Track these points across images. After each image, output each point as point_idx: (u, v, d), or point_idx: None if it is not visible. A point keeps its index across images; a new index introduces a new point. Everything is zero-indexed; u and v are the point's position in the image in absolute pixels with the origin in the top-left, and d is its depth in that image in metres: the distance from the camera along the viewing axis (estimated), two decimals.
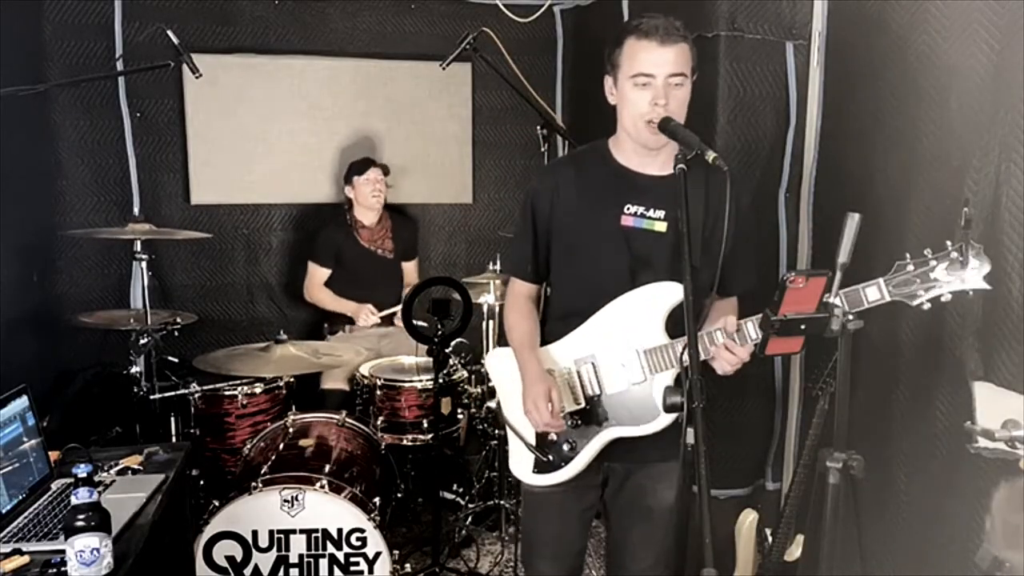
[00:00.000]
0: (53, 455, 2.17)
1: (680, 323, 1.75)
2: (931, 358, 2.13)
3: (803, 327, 1.57)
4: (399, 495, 2.99)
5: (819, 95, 2.68)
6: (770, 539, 2.38)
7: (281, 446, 2.73)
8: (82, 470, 1.60)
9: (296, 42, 3.91)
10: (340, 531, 2.43)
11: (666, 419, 1.78)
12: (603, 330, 1.84)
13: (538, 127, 3.12)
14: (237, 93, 3.82)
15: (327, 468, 2.55)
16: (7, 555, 1.71)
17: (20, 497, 1.94)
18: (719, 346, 1.71)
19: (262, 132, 3.89)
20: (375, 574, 2.45)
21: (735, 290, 1.91)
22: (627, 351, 1.81)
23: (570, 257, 1.90)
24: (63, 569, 1.60)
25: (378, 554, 2.44)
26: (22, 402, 2.04)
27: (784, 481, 2.98)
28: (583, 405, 1.86)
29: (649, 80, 1.72)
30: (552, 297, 2.00)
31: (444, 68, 3.22)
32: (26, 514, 1.90)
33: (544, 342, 1.94)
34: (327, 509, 2.42)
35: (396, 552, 2.49)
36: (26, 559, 1.71)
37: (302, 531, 2.43)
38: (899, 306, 2.20)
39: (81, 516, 1.56)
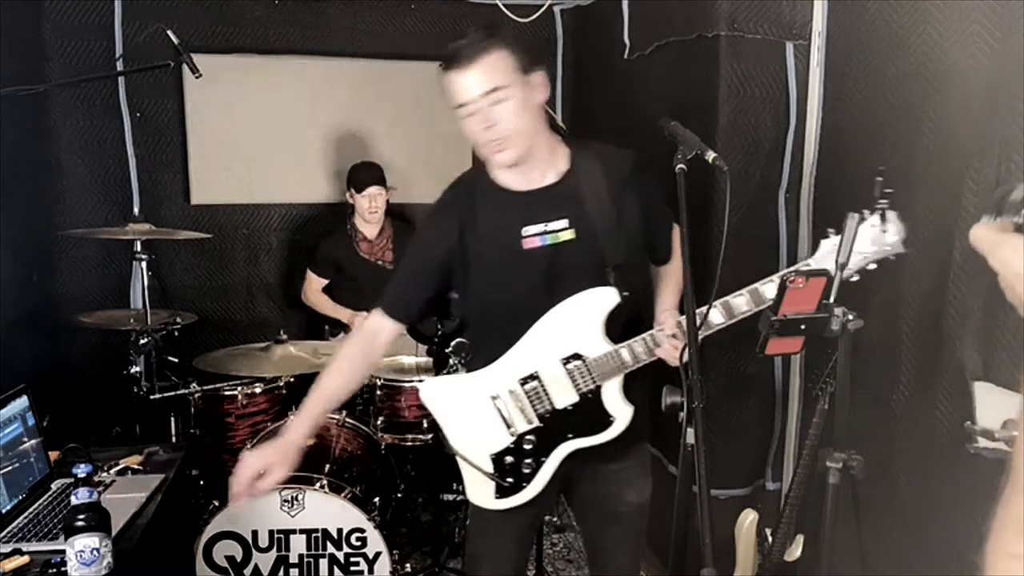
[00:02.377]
0: (53, 455, 2.17)
1: (620, 328, 1.77)
2: (931, 358, 2.13)
3: (803, 327, 1.58)
4: (399, 495, 2.99)
5: (819, 95, 2.68)
6: (770, 539, 2.38)
7: None
8: (82, 470, 1.61)
9: (296, 42, 3.91)
10: (340, 531, 2.43)
11: (621, 424, 1.78)
12: (542, 345, 1.79)
13: None
14: (237, 93, 3.82)
15: (327, 468, 2.55)
16: (7, 555, 1.71)
17: (20, 497, 1.94)
18: (664, 347, 1.72)
19: (262, 132, 3.89)
20: (375, 574, 2.45)
21: (664, 256, 1.95)
22: (571, 362, 1.78)
23: (485, 293, 1.83)
24: (63, 569, 1.60)
25: (378, 554, 2.45)
26: (22, 402, 2.05)
27: (784, 481, 2.98)
28: (536, 424, 1.82)
29: (468, 108, 1.68)
30: (473, 331, 1.96)
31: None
32: (26, 514, 1.91)
33: (477, 368, 1.87)
34: (327, 509, 2.42)
35: (396, 552, 2.50)
36: (26, 559, 1.71)
37: (302, 531, 2.43)
38: (899, 305, 2.20)
39: (81, 516, 1.57)
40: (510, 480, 1.84)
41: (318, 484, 2.42)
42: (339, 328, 3.69)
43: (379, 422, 3.06)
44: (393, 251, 3.77)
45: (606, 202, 1.74)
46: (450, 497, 3.20)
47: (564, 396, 1.79)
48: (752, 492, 3.03)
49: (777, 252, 2.90)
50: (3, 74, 2.95)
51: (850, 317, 1.59)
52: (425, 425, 3.05)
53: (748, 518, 2.48)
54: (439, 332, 2.70)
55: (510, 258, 1.77)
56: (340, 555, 2.44)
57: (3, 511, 1.87)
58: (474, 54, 1.66)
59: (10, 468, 1.93)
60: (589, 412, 1.79)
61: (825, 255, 1.66)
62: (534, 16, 3.66)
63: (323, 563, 2.45)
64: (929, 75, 2.11)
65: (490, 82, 1.65)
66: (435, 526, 2.86)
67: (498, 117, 1.67)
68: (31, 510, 1.93)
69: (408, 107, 4.05)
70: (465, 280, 1.83)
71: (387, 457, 2.93)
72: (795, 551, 2.31)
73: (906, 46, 2.19)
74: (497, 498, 1.86)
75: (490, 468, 1.84)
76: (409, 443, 3.06)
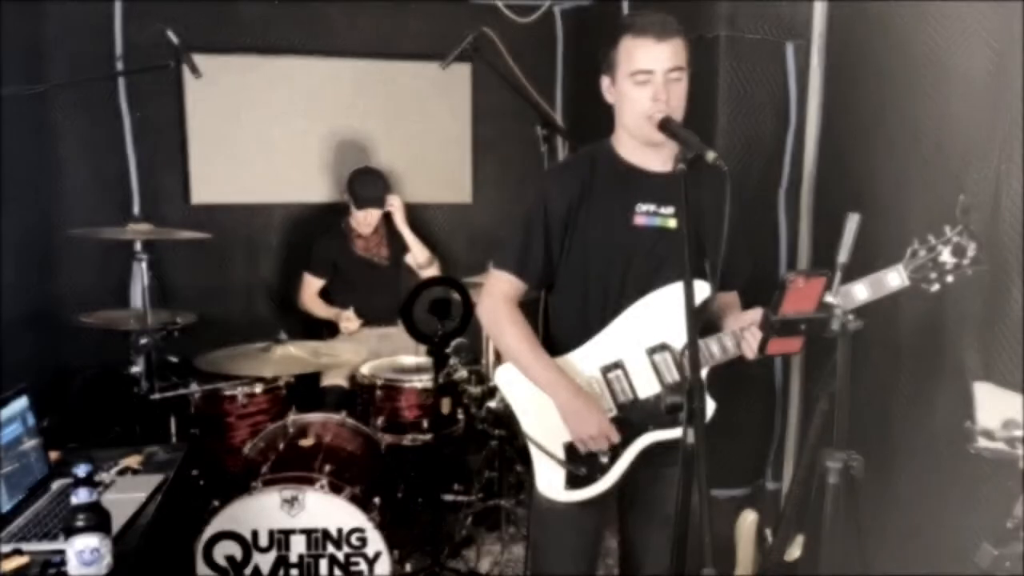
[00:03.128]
0: (53, 455, 2.17)
1: (708, 320, 1.77)
2: (931, 358, 2.13)
3: (803, 327, 1.58)
4: (399, 495, 2.98)
5: (819, 95, 2.68)
6: (770, 539, 2.38)
7: (281, 446, 2.73)
8: (82, 470, 1.60)
9: (296, 42, 3.91)
10: (340, 531, 2.43)
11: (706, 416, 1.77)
12: (628, 334, 1.79)
13: (538, 127, 3.12)
14: (237, 93, 3.82)
15: (327, 468, 2.54)
16: (7, 555, 1.71)
17: (20, 497, 1.94)
18: (748, 338, 1.72)
19: (262, 132, 3.89)
20: (375, 574, 2.45)
21: (738, 282, 1.93)
22: (658, 353, 1.77)
23: (584, 261, 1.84)
24: (63, 569, 1.60)
25: (378, 554, 2.44)
26: (22, 402, 2.04)
27: (784, 481, 2.98)
28: (615, 413, 1.81)
29: (648, 76, 1.72)
30: (561, 305, 1.92)
31: (444, 68, 3.22)
32: (26, 514, 1.90)
33: (558, 352, 1.85)
34: (327, 509, 2.42)
35: (396, 552, 2.49)
36: (26, 559, 1.71)
37: (302, 531, 2.42)
38: (899, 305, 2.21)
39: (81, 516, 1.56)
40: (584, 470, 1.81)
41: (318, 484, 2.42)
42: (336, 330, 3.69)
43: (379, 422, 3.06)
44: (388, 247, 3.77)
45: (707, 203, 1.75)
46: (450, 497, 3.20)
47: (647, 386, 1.79)
48: (752, 492, 3.03)
49: (777, 252, 2.91)
50: (3, 74, 2.95)
51: (850, 317, 1.59)
52: (425, 425, 3.05)
53: (748, 518, 2.48)
54: (439, 332, 2.71)
55: (618, 231, 1.80)
56: (340, 555, 2.44)
57: (3, 511, 1.87)
58: (670, 31, 1.73)
59: (10, 468, 1.93)
60: None
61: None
62: (534, 16, 3.67)
63: (323, 563, 2.45)
64: (929, 75, 2.12)
65: (677, 60, 1.73)
66: (435, 526, 2.86)
67: (672, 92, 1.73)
68: (31, 510, 1.93)
69: (408, 107, 4.06)
70: (570, 245, 1.84)
71: (387, 457, 2.93)
72: (795, 551, 2.31)
73: (906, 46, 2.19)
74: (567, 488, 1.83)
75: (562, 455, 1.82)
76: (409, 443, 3.06)
